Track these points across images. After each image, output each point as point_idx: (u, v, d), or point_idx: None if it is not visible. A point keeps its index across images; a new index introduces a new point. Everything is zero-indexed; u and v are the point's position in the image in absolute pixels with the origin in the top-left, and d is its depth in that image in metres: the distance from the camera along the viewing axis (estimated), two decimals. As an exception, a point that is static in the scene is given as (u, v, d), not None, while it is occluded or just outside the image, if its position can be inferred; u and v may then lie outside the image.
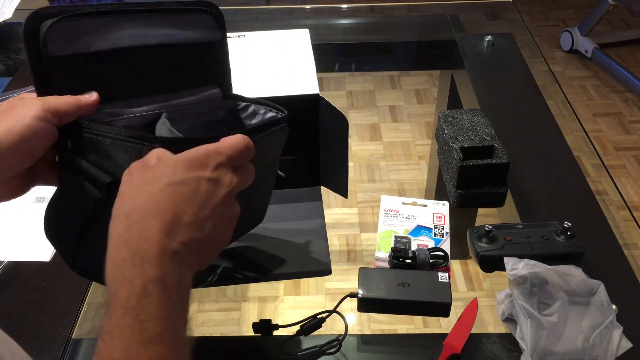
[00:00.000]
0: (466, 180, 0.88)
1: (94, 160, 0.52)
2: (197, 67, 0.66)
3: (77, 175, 0.53)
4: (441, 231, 0.84)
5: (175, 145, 0.49)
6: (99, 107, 0.55)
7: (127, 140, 0.51)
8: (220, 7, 0.65)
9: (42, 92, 0.54)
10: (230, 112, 0.68)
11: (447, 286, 0.73)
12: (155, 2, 0.60)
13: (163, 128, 0.59)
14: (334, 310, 0.72)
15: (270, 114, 0.66)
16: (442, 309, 0.73)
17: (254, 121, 0.67)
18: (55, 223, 0.58)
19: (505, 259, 0.72)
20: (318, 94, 0.81)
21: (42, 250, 0.82)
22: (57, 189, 0.57)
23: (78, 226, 0.55)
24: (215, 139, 0.50)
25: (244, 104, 0.68)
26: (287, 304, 0.88)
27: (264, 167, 0.56)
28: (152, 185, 0.45)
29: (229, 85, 0.70)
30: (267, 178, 0.61)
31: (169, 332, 0.41)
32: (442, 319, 0.75)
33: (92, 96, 0.55)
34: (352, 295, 0.73)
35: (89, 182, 0.53)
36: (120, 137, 0.51)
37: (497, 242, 0.79)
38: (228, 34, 0.67)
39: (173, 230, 0.44)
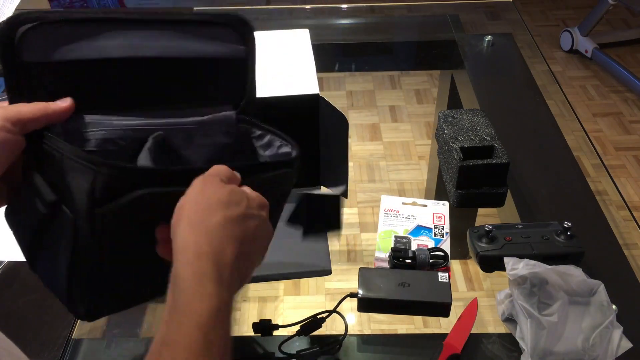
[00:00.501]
0: (466, 180, 0.88)
1: (47, 175, 0.50)
2: (210, 84, 0.61)
3: (28, 187, 0.51)
4: (441, 231, 0.84)
5: (139, 175, 0.47)
6: (78, 115, 0.53)
7: (75, 160, 0.46)
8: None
9: (15, 99, 0.52)
10: (243, 136, 0.64)
11: (447, 286, 0.73)
12: (171, 13, 0.58)
13: (145, 154, 0.56)
14: (334, 310, 0.72)
15: (284, 149, 0.61)
16: (442, 309, 0.73)
17: (267, 152, 0.62)
18: (12, 226, 0.55)
19: (506, 259, 0.72)
20: (318, 94, 0.81)
21: (42, 250, 0.82)
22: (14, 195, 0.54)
23: (28, 236, 0.54)
24: (200, 170, 0.49)
25: (259, 132, 0.63)
26: (287, 304, 0.88)
27: (272, 202, 0.54)
28: (228, 210, 0.47)
29: (249, 108, 0.63)
30: (274, 211, 0.58)
31: (226, 357, 0.42)
32: (442, 319, 0.75)
33: (65, 102, 0.52)
34: (352, 295, 0.73)
35: (37, 197, 0.50)
36: (71, 154, 0.47)
37: (497, 242, 0.79)
38: None
39: (237, 261, 0.46)
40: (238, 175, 0.51)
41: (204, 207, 0.46)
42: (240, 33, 0.60)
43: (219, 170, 0.50)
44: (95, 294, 0.53)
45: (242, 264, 0.47)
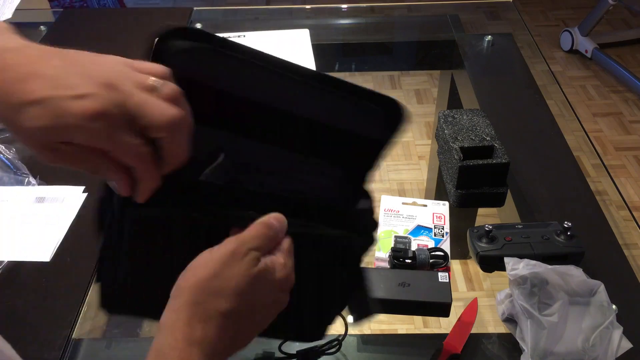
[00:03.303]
0: (466, 180, 0.88)
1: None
2: (336, 153, 0.54)
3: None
4: (441, 231, 0.84)
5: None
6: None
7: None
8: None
9: None
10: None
11: (447, 286, 0.73)
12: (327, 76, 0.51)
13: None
14: (334, 310, 0.72)
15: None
16: (442, 309, 0.73)
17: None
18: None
19: (506, 259, 0.72)
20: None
21: (42, 250, 0.82)
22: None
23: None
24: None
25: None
26: (287, 304, 0.88)
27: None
28: (242, 301, 0.43)
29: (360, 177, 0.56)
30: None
31: None
32: (442, 319, 0.74)
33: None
34: (352, 295, 0.73)
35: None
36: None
37: (497, 242, 0.79)
38: (228, 34, 0.64)
39: (232, 347, 0.43)
40: (284, 227, 0.47)
41: (216, 289, 0.42)
42: (390, 117, 0.53)
43: (260, 237, 0.45)
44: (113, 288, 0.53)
45: (239, 343, 0.43)
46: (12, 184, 0.92)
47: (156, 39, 0.46)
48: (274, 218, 0.47)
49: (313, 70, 0.52)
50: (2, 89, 0.38)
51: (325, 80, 0.51)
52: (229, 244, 0.44)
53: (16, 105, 0.38)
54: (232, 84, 0.49)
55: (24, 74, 0.38)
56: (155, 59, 0.46)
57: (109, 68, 0.41)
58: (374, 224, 0.56)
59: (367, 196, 0.55)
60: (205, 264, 0.43)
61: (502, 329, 0.72)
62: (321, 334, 0.58)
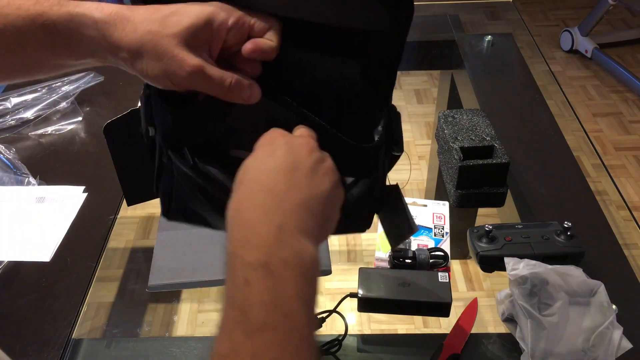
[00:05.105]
0: (466, 180, 0.88)
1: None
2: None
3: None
4: (441, 231, 0.84)
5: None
6: None
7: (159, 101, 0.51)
8: None
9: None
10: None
11: (447, 286, 0.73)
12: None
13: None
14: (334, 310, 0.72)
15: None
16: (442, 309, 0.73)
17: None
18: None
19: (506, 259, 0.72)
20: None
21: (42, 250, 0.82)
22: None
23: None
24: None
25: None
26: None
27: None
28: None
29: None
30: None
31: (277, 317, 0.38)
32: (442, 319, 0.74)
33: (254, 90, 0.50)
34: (352, 295, 0.73)
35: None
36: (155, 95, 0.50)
37: (497, 242, 0.79)
38: None
39: (275, 204, 0.43)
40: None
41: (297, 179, 0.45)
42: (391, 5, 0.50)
43: (315, 137, 0.49)
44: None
45: (295, 196, 0.44)
46: (12, 184, 0.92)
47: None
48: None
49: None
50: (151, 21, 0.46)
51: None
52: (300, 135, 0.48)
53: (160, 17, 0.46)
54: None
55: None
56: None
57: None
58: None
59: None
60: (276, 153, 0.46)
61: (502, 329, 0.72)
62: (370, 222, 0.60)
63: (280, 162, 0.45)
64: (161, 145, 0.53)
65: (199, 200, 0.53)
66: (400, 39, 0.52)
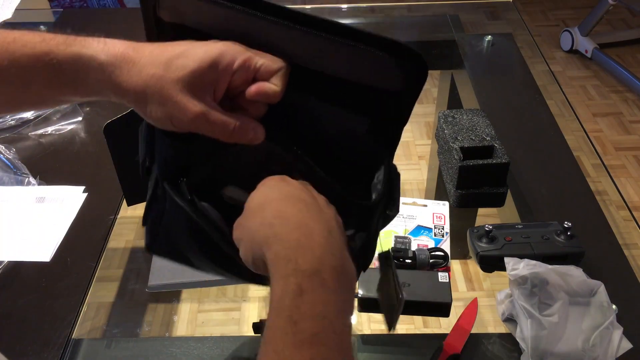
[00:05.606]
0: (466, 180, 0.88)
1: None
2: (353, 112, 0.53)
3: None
4: (441, 231, 0.84)
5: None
6: None
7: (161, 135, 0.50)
8: None
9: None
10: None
11: (447, 286, 0.73)
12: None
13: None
14: (334, 311, 0.72)
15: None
16: (442, 309, 0.73)
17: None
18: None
19: (506, 259, 0.72)
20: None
21: (42, 250, 0.82)
22: None
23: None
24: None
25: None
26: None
27: None
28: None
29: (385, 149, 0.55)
30: None
31: (327, 332, 0.37)
32: (442, 319, 0.74)
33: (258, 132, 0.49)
34: (352, 295, 0.73)
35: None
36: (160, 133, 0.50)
37: (497, 242, 0.79)
38: None
39: (322, 212, 0.44)
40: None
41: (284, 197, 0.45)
42: (405, 68, 0.49)
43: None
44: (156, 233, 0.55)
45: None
46: (12, 184, 0.92)
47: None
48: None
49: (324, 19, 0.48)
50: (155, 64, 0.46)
51: (340, 29, 0.48)
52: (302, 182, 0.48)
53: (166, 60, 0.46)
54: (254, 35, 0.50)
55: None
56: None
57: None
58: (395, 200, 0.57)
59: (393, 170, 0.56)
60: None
61: (502, 329, 0.72)
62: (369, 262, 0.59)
63: (294, 187, 0.46)
64: (157, 177, 0.52)
65: (187, 238, 0.52)
66: (412, 100, 0.52)
